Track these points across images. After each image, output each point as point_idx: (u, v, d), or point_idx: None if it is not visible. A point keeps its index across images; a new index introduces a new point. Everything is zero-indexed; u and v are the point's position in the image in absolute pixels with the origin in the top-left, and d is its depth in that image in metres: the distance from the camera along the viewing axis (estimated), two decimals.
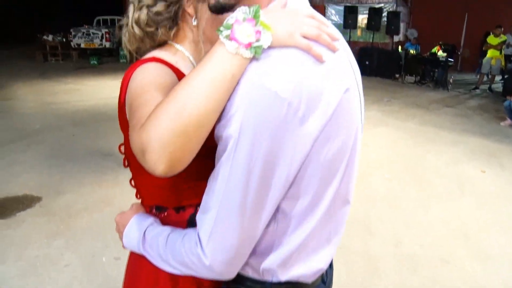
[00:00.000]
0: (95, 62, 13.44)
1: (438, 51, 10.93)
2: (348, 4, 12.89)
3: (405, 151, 5.42)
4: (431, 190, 4.20)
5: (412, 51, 11.46)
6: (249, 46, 0.68)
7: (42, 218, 3.43)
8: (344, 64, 0.77)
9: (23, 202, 3.70)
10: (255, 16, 0.69)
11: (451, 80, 10.67)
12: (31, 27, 19.26)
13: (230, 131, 0.68)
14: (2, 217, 3.45)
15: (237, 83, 0.69)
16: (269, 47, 0.69)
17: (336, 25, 13.23)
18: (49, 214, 3.49)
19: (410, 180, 4.44)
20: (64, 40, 14.98)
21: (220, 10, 0.78)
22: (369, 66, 12.05)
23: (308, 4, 0.84)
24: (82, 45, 14.60)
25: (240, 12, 0.70)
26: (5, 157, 4.80)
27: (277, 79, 0.66)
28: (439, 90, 10.29)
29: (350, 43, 12.43)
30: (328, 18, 13.52)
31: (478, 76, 11.03)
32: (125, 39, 1.03)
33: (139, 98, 0.84)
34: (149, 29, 1.00)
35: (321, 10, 14.05)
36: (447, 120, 7.22)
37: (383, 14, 12.57)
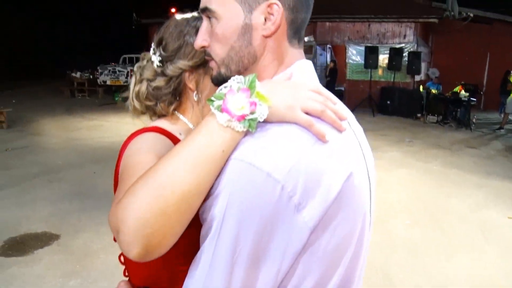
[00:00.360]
0: (120, 99, 13.82)
1: (460, 91, 10.85)
2: (369, 44, 13.01)
3: (427, 194, 5.29)
4: (454, 236, 4.06)
5: (433, 91, 11.42)
6: (242, 118, 0.61)
7: (59, 256, 3.45)
8: (351, 145, 0.70)
9: (42, 240, 3.74)
10: (251, 86, 0.63)
11: (474, 120, 10.52)
12: (61, 64, 20.10)
13: (214, 213, 0.61)
14: (21, 254, 3.48)
15: (227, 158, 0.62)
16: (266, 121, 0.63)
17: (357, 65, 13.38)
18: (66, 253, 3.50)
19: (432, 225, 4.31)
20: (91, 77, 15.55)
21: (221, 82, 0.72)
22: (391, 105, 12.05)
23: (317, 79, 0.79)
24: (108, 82, 15.09)
25: (235, 82, 0.64)
26: (27, 192, 4.90)
27: (271, 158, 0.59)
28: (462, 130, 10.13)
29: (371, 82, 12.49)
30: (349, 58, 13.67)
31: (502, 116, 10.85)
32: (130, 109, 1.01)
33: (127, 170, 0.80)
34: (148, 103, 0.97)
35: (342, 50, 14.23)
36: (471, 162, 7.06)
37: (404, 54, 12.63)
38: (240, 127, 0.62)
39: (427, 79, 13.49)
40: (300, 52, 0.79)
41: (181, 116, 0.98)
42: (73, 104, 12.99)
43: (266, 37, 0.73)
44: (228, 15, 0.72)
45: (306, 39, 13.50)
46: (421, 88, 11.98)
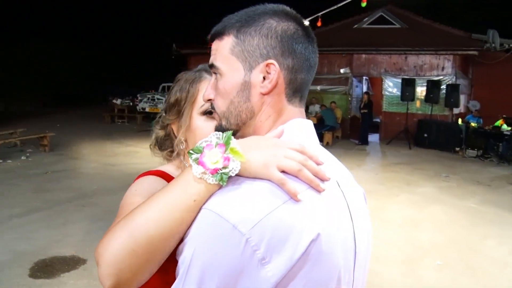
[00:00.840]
0: None
1: (502, 124, 10.46)
2: (405, 77, 12.83)
3: (461, 234, 5.05)
4: (490, 283, 3.81)
5: (473, 124, 11.05)
6: (215, 172, 0.65)
7: (84, 281, 3.51)
8: (330, 206, 0.69)
9: (69, 264, 3.83)
10: (226, 142, 0.67)
11: None
12: (104, 91, 21.07)
13: (183, 257, 0.63)
14: (48, 276, 3.58)
15: (200, 208, 0.66)
16: (241, 177, 0.66)
17: (394, 97, 13.20)
18: (91, 278, 3.57)
19: (465, 269, 4.08)
20: (131, 104, 16.15)
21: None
22: (428, 138, 11.77)
23: (315, 138, 0.81)
24: (147, 109, 15.63)
25: (214, 137, 0.69)
26: (60, 216, 5.06)
27: (238, 211, 0.61)
28: (503, 166, 9.69)
29: (408, 114, 12.27)
30: (385, 90, 13.51)
31: None
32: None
33: (120, 209, 0.88)
34: (156, 151, 1.11)
35: (379, 82, 14.12)
36: None
37: (442, 87, 12.37)
38: (212, 180, 0.65)
39: (467, 112, 13.12)
40: (301, 111, 0.82)
41: (184, 161, 1.07)
42: (112, 130, 13.49)
43: (264, 94, 0.76)
44: (230, 72, 0.77)
45: (342, 71, 13.54)
46: (459, 121, 11.64)
